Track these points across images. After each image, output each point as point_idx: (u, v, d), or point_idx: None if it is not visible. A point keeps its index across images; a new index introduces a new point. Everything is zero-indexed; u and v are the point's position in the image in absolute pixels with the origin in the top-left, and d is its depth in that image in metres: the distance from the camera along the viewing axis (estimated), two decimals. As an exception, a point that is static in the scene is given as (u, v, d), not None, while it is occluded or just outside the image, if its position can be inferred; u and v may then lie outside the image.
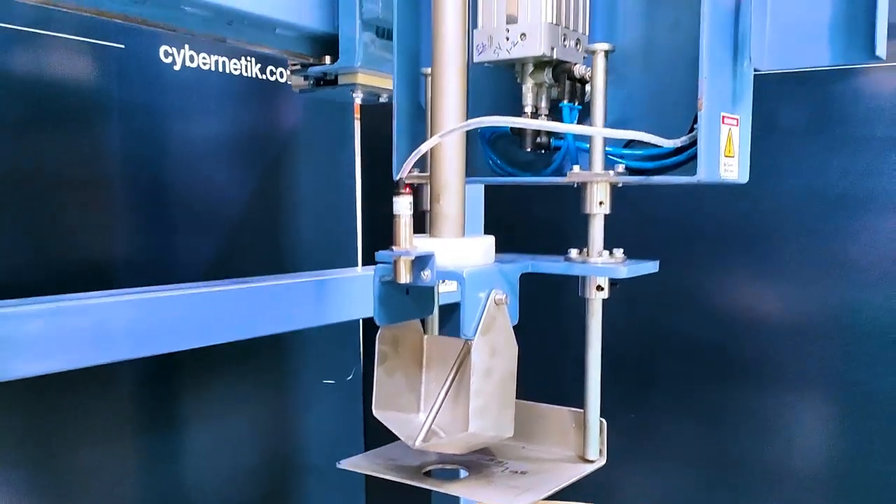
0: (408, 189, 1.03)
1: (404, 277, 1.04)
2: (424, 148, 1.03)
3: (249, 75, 2.80)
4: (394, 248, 1.03)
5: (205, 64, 2.69)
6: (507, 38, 1.22)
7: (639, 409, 2.96)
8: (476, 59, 1.26)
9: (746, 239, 2.81)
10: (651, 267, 1.17)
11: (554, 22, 1.21)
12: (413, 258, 1.03)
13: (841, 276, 2.67)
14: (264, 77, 2.88)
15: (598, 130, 1.12)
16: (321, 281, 2.23)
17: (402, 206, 1.02)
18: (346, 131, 3.26)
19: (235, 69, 2.77)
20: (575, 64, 1.24)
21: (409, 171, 1.08)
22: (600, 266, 1.14)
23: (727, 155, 1.13)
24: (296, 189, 3.09)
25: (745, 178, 1.19)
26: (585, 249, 1.19)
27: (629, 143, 1.31)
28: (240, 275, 2.65)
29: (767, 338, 2.77)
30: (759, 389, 2.76)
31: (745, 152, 1.19)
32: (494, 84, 1.41)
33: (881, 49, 1.01)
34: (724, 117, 1.11)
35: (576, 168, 1.19)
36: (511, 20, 1.23)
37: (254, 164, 2.93)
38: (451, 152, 1.13)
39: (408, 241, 1.04)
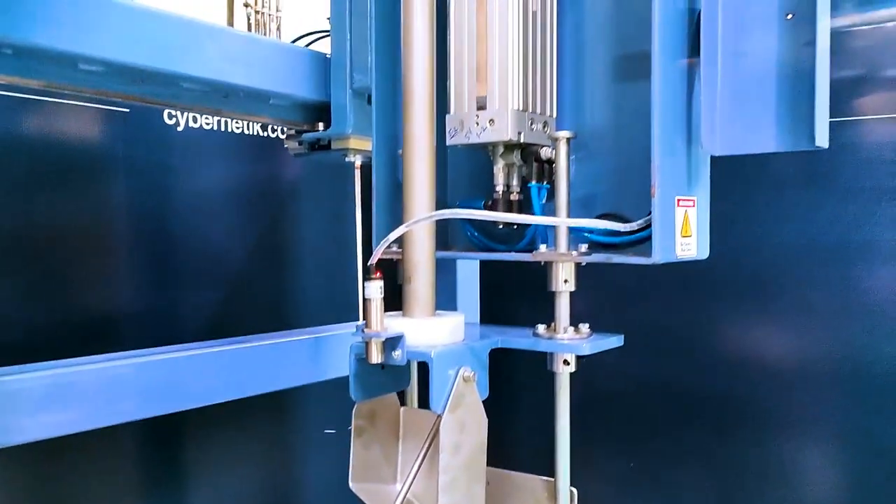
0: (378, 274, 1.10)
1: (376, 358, 1.10)
2: (393, 236, 1.10)
3: (251, 133, 2.90)
4: (365, 330, 1.09)
5: (207, 124, 2.79)
6: (478, 124, 1.29)
7: (638, 456, 2.98)
8: (448, 142, 1.33)
9: (746, 285, 2.85)
10: (615, 342, 1.22)
11: (521, 108, 1.28)
12: (384, 339, 1.09)
13: (840, 323, 2.70)
14: (265, 134, 2.98)
15: (558, 220, 1.19)
16: (319, 338, 2.29)
17: (373, 290, 1.09)
18: (347, 184, 3.35)
19: (237, 128, 2.87)
20: (542, 146, 1.30)
21: (388, 248, 1.15)
22: (566, 343, 1.19)
23: (684, 235, 1.18)
24: (297, 242, 3.16)
25: (704, 255, 1.25)
26: (553, 324, 1.25)
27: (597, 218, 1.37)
28: (242, 327, 2.71)
29: (768, 385, 2.79)
30: (759, 437, 2.78)
31: (703, 230, 1.24)
32: (471, 161, 1.49)
33: (821, 139, 1.07)
34: (679, 200, 1.17)
35: (542, 247, 1.25)
36: (481, 106, 1.30)
37: (256, 217, 3.01)
38: (422, 235, 1.19)
39: (379, 323, 1.10)
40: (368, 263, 1.08)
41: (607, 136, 1.38)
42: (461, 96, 1.32)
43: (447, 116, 1.33)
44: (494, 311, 2.52)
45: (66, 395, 1.71)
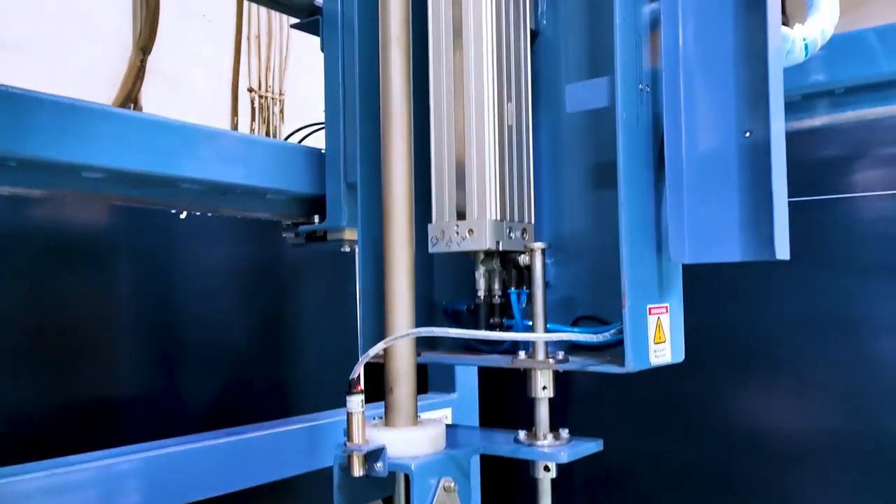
0: (359, 388, 1.13)
1: (358, 471, 1.13)
2: (372, 352, 1.14)
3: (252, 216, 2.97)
4: (347, 443, 1.12)
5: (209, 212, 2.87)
6: (457, 233, 1.34)
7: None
8: (430, 250, 1.38)
9: (744, 358, 2.86)
10: (593, 447, 1.24)
11: (499, 218, 1.34)
12: (365, 453, 1.12)
13: (839, 396, 2.70)
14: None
15: (533, 336, 1.23)
16: (315, 426, 2.31)
17: (355, 404, 1.12)
18: (347, 266, 3.40)
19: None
20: (520, 253, 1.35)
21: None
22: (546, 451, 1.22)
23: (657, 342, 1.22)
24: (299, 323, 3.20)
25: (679, 359, 1.28)
26: (533, 430, 1.28)
27: (576, 321, 1.41)
28: (245, 411, 2.73)
29: (770, 460, 2.78)
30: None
31: (677, 334, 1.28)
32: (456, 262, 1.54)
33: (781, 252, 1.11)
34: (650, 308, 1.21)
35: (521, 354, 1.28)
36: (461, 216, 1.36)
37: (257, 299, 3.06)
38: (402, 346, 1.23)
39: (360, 437, 1.13)
40: (350, 378, 1.12)
41: (585, 239, 1.43)
42: (441, 205, 1.38)
43: (429, 226, 1.39)
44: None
45: (68, 495, 1.73)
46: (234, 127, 4.59)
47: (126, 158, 1.74)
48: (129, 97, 3.95)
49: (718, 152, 1.18)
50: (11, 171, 1.61)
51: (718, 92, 1.18)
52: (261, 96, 4.74)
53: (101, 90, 3.90)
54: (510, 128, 1.37)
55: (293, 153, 2.20)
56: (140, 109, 4.02)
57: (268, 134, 4.79)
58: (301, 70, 4.79)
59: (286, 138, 2.86)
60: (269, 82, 4.76)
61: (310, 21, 2.37)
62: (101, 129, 1.70)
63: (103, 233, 2.61)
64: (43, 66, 3.63)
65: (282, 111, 4.86)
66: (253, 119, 4.71)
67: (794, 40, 1.26)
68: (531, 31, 1.45)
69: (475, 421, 2.93)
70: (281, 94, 4.85)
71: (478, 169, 1.33)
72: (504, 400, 2.80)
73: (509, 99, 1.37)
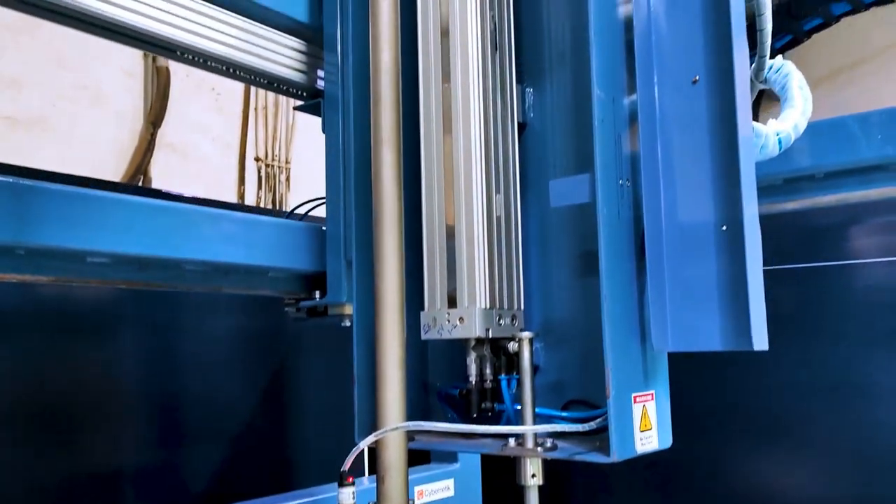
0: (350, 479, 1.16)
1: (349, 562, 1.15)
2: (363, 445, 1.17)
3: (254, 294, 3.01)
4: (338, 536, 1.14)
5: (214, 284, 2.92)
6: (448, 321, 1.38)
7: None
8: (423, 337, 1.42)
9: (744, 424, 2.86)
10: None
11: (488, 306, 1.38)
12: (356, 545, 1.14)
13: (841, 462, 2.69)
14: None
15: (520, 429, 1.26)
16: (316, 501, 2.32)
17: (346, 496, 1.15)
18: (349, 340, 3.43)
19: (243, 285, 2.99)
20: (509, 340, 1.39)
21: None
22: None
23: (643, 429, 1.24)
24: (301, 396, 3.22)
25: (666, 444, 1.30)
26: (524, 517, 1.29)
27: (567, 405, 1.44)
28: (247, 484, 2.73)
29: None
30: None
31: (664, 420, 1.30)
32: (449, 347, 1.57)
33: (759, 343, 1.14)
34: (635, 397, 1.24)
35: (511, 441, 1.31)
36: (452, 303, 1.40)
37: (260, 372, 3.09)
38: (394, 439, 1.26)
39: (351, 529, 1.15)
40: (341, 469, 1.15)
41: (574, 324, 1.46)
42: (433, 293, 1.42)
43: (422, 313, 1.43)
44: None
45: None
46: (241, 195, 4.70)
47: (131, 243, 1.80)
48: (139, 169, 4.07)
49: (697, 245, 1.22)
50: (19, 258, 1.67)
51: (695, 188, 1.23)
52: (267, 165, 4.86)
53: (112, 163, 4.02)
54: (499, 218, 1.42)
55: (294, 231, 2.26)
56: (149, 181, 4.13)
57: (274, 201, 4.89)
58: (307, 138, 4.91)
59: (291, 212, 2.93)
60: (276, 151, 4.88)
61: (312, 103, 2.46)
62: (106, 215, 1.76)
63: (106, 307, 2.66)
64: (57, 140, 3.74)
65: (287, 179, 4.97)
66: (259, 187, 4.82)
67: (768, 136, 1.31)
68: (519, 124, 1.51)
69: (478, 491, 2.92)
70: (287, 162, 4.97)
71: (467, 259, 1.37)
72: (508, 467, 2.80)
73: (497, 190, 1.42)
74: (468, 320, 1.36)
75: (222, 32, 2.11)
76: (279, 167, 4.91)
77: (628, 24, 1.31)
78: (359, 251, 1.51)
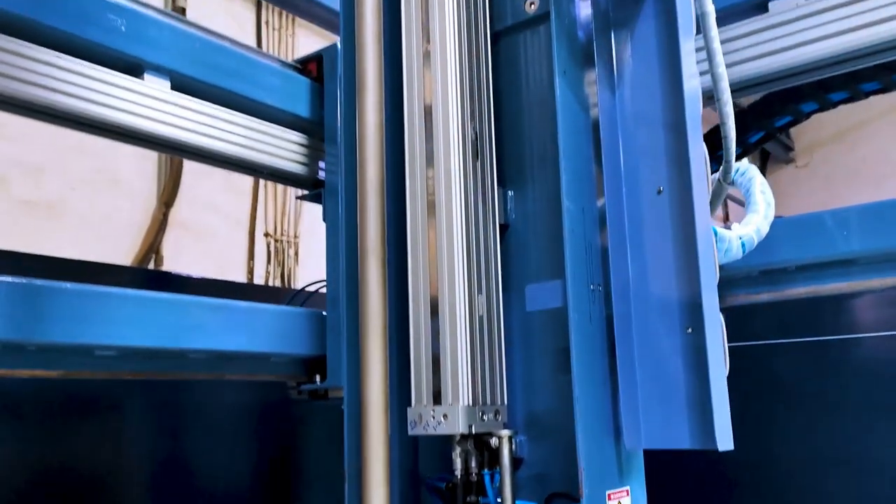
0: (336, 578, 1.21)
1: None
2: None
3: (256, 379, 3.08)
4: None
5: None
6: (433, 417, 1.45)
7: None
8: (409, 432, 1.48)
9: (748, 498, 2.85)
10: None
11: (471, 403, 1.44)
12: None
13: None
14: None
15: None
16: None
17: None
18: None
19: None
20: (491, 437, 1.45)
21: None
22: None
23: (619, 526, 1.29)
24: (304, 477, 3.25)
25: (642, 539, 1.35)
26: None
27: (549, 498, 1.49)
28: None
29: None
30: None
31: (639, 516, 1.35)
32: (438, 439, 1.62)
33: (723, 443, 1.20)
34: (610, 495, 1.29)
35: (493, 536, 1.36)
36: (437, 400, 1.46)
37: (265, 455, 3.13)
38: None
39: None
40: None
41: (556, 418, 1.51)
42: (420, 390, 1.49)
43: (408, 409, 1.49)
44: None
45: None
46: (251, 270, 4.81)
47: (138, 336, 1.88)
48: (152, 248, 4.19)
49: (666, 347, 1.29)
50: (31, 354, 1.76)
51: (662, 292, 1.31)
52: (276, 240, 4.98)
53: (127, 243, 4.15)
54: (481, 318, 1.49)
55: (295, 317, 2.34)
56: (161, 260, 4.25)
57: (282, 275, 4.99)
58: (315, 214, 5.03)
59: (296, 294, 3.02)
60: (285, 226, 5.01)
61: (314, 193, 2.58)
62: (114, 310, 1.85)
63: (117, 390, 2.73)
64: (73, 222, 3.89)
65: (296, 253, 5.08)
66: (269, 262, 4.93)
67: (731, 240, 1.39)
68: (501, 225, 1.60)
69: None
70: (296, 237, 5.10)
71: (451, 358, 1.45)
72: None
73: (479, 291, 1.50)
74: (452, 417, 1.42)
75: (229, 132, 2.24)
76: (288, 242, 5.03)
77: (596, 140, 1.41)
78: (350, 341, 1.58)
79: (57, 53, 1.85)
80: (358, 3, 1.60)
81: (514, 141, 1.65)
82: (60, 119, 1.94)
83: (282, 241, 4.98)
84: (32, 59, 1.81)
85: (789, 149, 11.74)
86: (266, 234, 4.94)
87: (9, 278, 1.67)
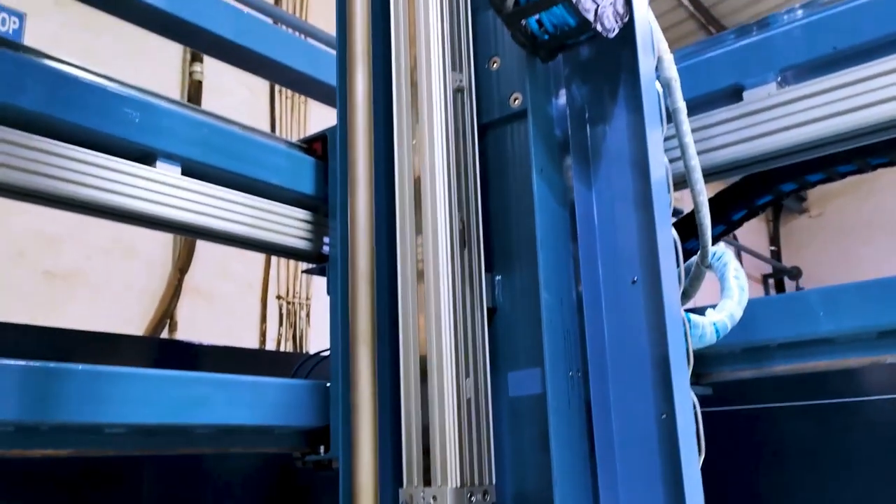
0: None
1: None
2: None
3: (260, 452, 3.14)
4: None
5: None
6: (423, 499, 1.51)
7: None
8: (401, 513, 1.54)
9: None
10: None
11: (459, 485, 1.50)
12: None
13: None
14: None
15: None
16: None
17: None
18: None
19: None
20: (479, 519, 1.50)
21: None
22: None
23: None
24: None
25: None
26: None
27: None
28: None
29: None
30: None
31: None
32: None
33: (697, 529, 1.25)
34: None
35: None
36: (427, 482, 1.52)
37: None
38: None
39: None
40: None
41: (546, 497, 1.57)
42: (411, 470, 1.55)
43: (399, 490, 1.55)
44: None
45: None
46: (263, 333, 4.90)
47: (147, 413, 1.96)
48: (166, 314, 4.30)
49: (642, 433, 1.35)
50: (43, 435, 1.84)
51: (637, 378, 1.38)
52: (288, 302, 5.08)
53: (142, 309, 4.26)
54: (469, 400, 1.56)
55: (299, 390, 2.41)
56: (175, 325, 4.35)
57: (294, 337, 5.07)
58: (327, 276, 5.14)
59: (303, 363, 3.10)
60: (297, 289, 5.11)
61: (320, 267, 2.68)
62: (124, 389, 1.93)
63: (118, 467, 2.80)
64: (91, 291, 4.01)
65: (308, 315, 5.17)
66: (280, 324, 5.03)
67: (705, 326, 1.46)
68: (489, 308, 1.68)
69: None
70: (308, 298, 5.20)
71: (440, 441, 1.51)
72: None
73: (467, 375, 1.57)
74: (440, 499, 1.48)
75: (237, 213, 2.35)
76: (300, 304, 5.13)
77: (574, 232, 1.49)
78: (345, 419, 1.64)
79: (76, 148, 1.98)
80: (350, 92, 1.70)
81: (502, 227, 1.74)
82: (77, 208, 2.06)
83: (294, 304, 5.07)
84: (53, 154, 1.94)
85: (802, 199, 11.79)
86: (278, 297, 5.04)
87: (23, 362, 1.76)
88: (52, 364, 1.83)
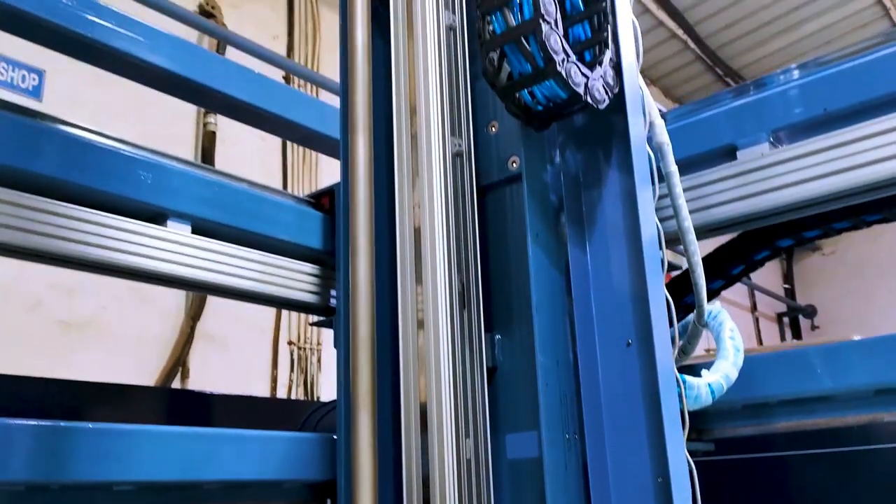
0: None
1: None
2: None
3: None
4: None
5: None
6: (424, 560, 1.52)
7: None
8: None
9: None
10: None
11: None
12: None
13: None
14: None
15: None
16: None
17: None
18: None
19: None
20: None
21: None
22: None
23: None
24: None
25: None
26: None
27: None
28: None
29: None
30: None
31: None
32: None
33: None
34: None
35: None
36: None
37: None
38: None
39: None
40: None
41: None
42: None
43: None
44: None
45: None
46: (274, 379, 4.92)
47: (156, 470, 1.99)
48: (179, 361, 4.35)
49: (639, 495, 1.37)
50: (53, 493, 1.87)
51: (634, 440, 1.40)
52: (300, 348, 5.11)
53: (155, 357, 4.31)
54: (468, 461, 1.58)
55: (307, 443, 2.43)
56: (188, 372, 4.39)
57: (305, 383, 5.10)
58: (338, 321, 5.18)
59: (311, 413, 3.12)
60: (308, 334, 5.15)
61: (328, 319, 2.72)
62: (134, 447, 1.96)
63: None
64: (105, 340, 4.07)
65: (319, 360, 5.20)
66: (292, 370, 5.06)
67: (700, 386, 1.48)
68: (489, 368, 1.71)
69: None
70: (318, 344, 5.23)
71: (440, 501, 1.53)
72: None
73: (467, 435, 1.60)
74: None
75: (246, 269, 2.41)
76: (311, 349, 5.16)
77: (569, 294, 1.52)
78: (347, 478, 1.67)
79: (90, 210, 2.05)
80: (351, 158, 1.76)
81: (502, 287, 1.77)
82: (91, 268, 2.12)
83: (305, 349, 5.11)
84: (67, 217, 2.01)
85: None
86: (289, 343, 5.08)
87: (34, 421, 1.80)
88: (62, 423, 1.87)
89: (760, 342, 10.82)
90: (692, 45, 8.94)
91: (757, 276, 10.21)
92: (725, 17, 8.76)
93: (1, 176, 1.93)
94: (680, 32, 8.72)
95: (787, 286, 11.79)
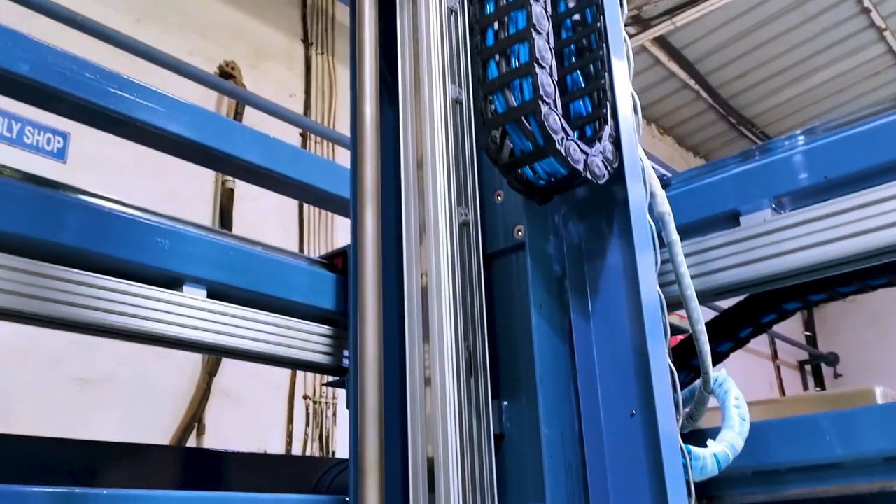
0: None
1: None
2: None
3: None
4: None
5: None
6: None
7: None
8: None
9: None
10: None
11: None
12: None
13: None
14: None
15: None
16: None
17: None
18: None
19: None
20: None
21: None
22: None
23: None
24: None
25: None
26: None
27: None
28: None
29: None
30: None
31: None
32: None
33: None
34: None
35: None
36: None
37: None
38: None
39: None
40: None
41: None
42: None
43: None
44: None
45: None
46: (290, 434, 4.92)
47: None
48: (195, 417, 4.37)
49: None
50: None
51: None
52: (315, 402, 5.12)
53: (171, 413, 4.34)
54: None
55: (319, 505, 2.45)
56: (203, 428, 4.41)
57: (321, 437, 5.09)
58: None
59: (324, 474, 3.12)
60: (323, 389, 5.16)
61: (341, 380, 2.74)
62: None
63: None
64: (122, 397, 4.11)
65: (334, 414, 5.20)
66: (307, 424, 5.06)
67: (705, 457, 1.48)
68: (497, 435, 1.72)
69: None
70: (334, 398, 5.24)
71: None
72: None
73: (475, 501, 1.61)
74: None
75: (260, 331, 2.44)
76: (326, 404, 5.17)
77: (573, 365, 1.54)
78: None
79: (108, 277, 2.10)
80: (360, 229, 1.80)
81: (508, 354, 1.79)
82: (107, 334, 2.17)
83: (320, 404, 5.11)
84: (86, 285, 2.06)
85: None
86: (305, 397, 5.09)
87: (50, 488, 1.83)
88: (77, 489, 1.89)
89: (783, 391, 10.66)
90: (704, 94, 9.04)
91: (777, 324, 10.10)
92: (737, 67, 8.87)
93: (23, 246, 1.99)
94: (692, 83, 8.83)
95: (808, 333, 11.65)
